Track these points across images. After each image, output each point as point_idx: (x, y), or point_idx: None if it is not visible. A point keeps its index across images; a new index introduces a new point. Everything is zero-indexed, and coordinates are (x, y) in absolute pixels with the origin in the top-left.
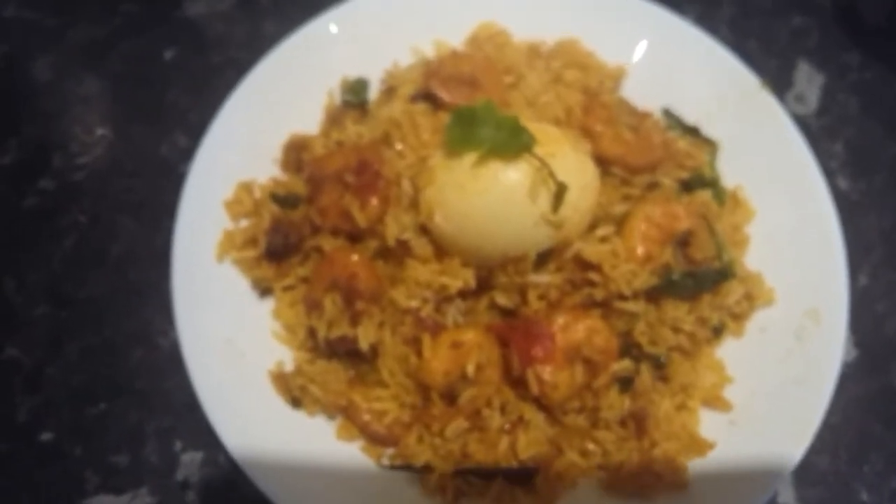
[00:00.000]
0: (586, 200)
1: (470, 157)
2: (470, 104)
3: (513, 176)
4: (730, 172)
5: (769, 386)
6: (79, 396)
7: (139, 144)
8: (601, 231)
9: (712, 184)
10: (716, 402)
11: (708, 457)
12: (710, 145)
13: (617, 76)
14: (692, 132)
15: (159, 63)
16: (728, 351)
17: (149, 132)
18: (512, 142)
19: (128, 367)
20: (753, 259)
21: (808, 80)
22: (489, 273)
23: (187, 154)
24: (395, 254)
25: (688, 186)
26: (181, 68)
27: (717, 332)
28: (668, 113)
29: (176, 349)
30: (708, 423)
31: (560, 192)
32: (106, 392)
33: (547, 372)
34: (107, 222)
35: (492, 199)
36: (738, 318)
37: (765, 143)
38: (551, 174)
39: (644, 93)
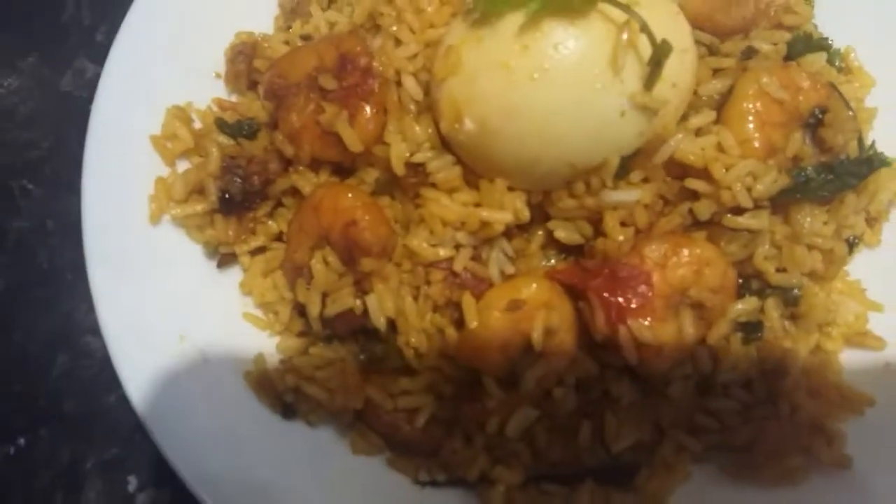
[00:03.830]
0: (687, 72)
1: (513, 22)
2: None
3: (583, 40)
4: (833, 32)
5: None
6: None
7: (32, 80)
8: (696, 120)
9: (823, 45)
10: (863, 339)
11: (869, 416)
12: None
13: None
14: None
15: None
16: (862, 268)
17: (44, 62)
18: None
19: (50, 383)
20: (879, 142)
21: None
22: (545, 197)
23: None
24: (406, 185)
25: (793, 51)
26: None
27: (851, 245)
28: None
29: None
30: (859, 371)
31: (660, 57)
32: (23, 422)
33: (646, 328)
34: None
35: (554, 81)
36: (872, 220)
37: None
38: (646, 29)
39: None
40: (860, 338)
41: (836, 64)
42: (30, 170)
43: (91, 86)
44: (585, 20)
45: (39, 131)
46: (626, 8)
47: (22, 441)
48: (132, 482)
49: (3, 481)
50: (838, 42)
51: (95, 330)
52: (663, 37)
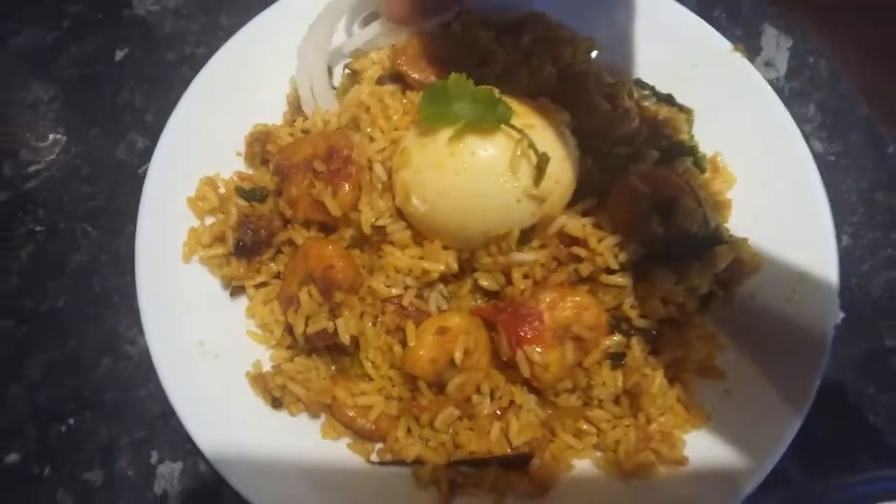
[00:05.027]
0: (568, 172)
1: (445, 134)
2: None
3: (491, 150)
4: (706, 139)
5: (762, 352)
6: (45, 414)
7: (94, 148)
8: (583, 204)
9: (692, 151)
10: (709, 371)
11: (705, 429)
12: (686, 113)
13: (587, 48)
14: (667, 100)
15: (111, 64)
16: (719, 319)
17: (104, 135)
18: (488, 114)
19: (95, 379)
20: (737, 225)
21: (777, 45)
22: (471, 255)
23: (145, 155)
24: (372, 241)
25: (667, 155)
26: (134, 68)
27: (706, 301)
28: (640, 83)
29: (145, 357)
30: (703, 394)
31: (542, 164)
32: (73, 407)
33: (537, 352)
34: (65, 231)
35: (471, 176)
36: (728, 285)
37: (740, 107)
38: (532, 145)
39: (614, 64)
40: (707, 370)
41: (703, 165)
42: (88, 216)
43: (140, 155)
44: (493, 136)
45: (98, 187)
46: (520, 131)
47: (71, 421)
48: (154, 456)
49: (56, 452)
50: (710, 147)
51: (133, 341)
52: (549, 149)
